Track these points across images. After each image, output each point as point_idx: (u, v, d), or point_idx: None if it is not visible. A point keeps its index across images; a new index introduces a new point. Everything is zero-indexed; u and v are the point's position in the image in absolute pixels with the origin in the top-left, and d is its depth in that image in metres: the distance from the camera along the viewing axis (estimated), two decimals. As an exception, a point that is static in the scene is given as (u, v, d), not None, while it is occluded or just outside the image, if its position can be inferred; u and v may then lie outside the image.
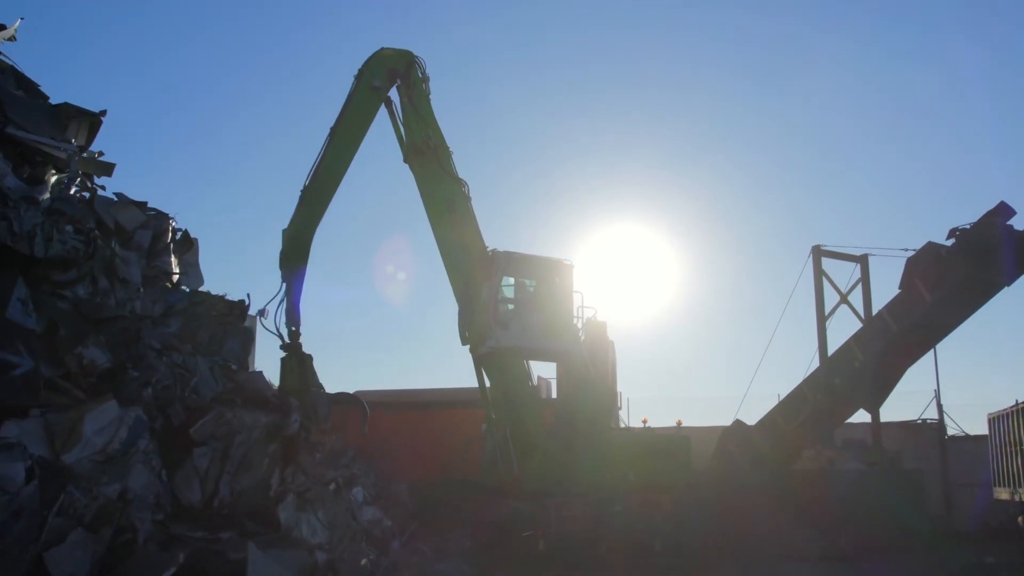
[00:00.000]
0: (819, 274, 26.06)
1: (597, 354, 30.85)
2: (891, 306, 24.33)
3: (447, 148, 20.99)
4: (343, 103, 20.34)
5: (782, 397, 30.34)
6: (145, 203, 15.68)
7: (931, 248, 23.57)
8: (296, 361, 18.26)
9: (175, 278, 15.56)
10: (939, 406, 33.03)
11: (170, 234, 15.35)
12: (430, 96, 21.06)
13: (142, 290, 12.92)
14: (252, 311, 25.50)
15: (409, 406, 26.92)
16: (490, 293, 20.34)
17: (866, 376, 24.96)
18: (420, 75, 20.91)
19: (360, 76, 20.29)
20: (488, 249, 21.03)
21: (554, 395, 31.45)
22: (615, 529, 19.25)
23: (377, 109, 20.59)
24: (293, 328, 18.32)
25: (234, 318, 15.20)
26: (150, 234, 14.55)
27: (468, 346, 20.50)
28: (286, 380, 18.08)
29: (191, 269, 15.98)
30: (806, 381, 26.19)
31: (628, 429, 21.63)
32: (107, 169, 16.26)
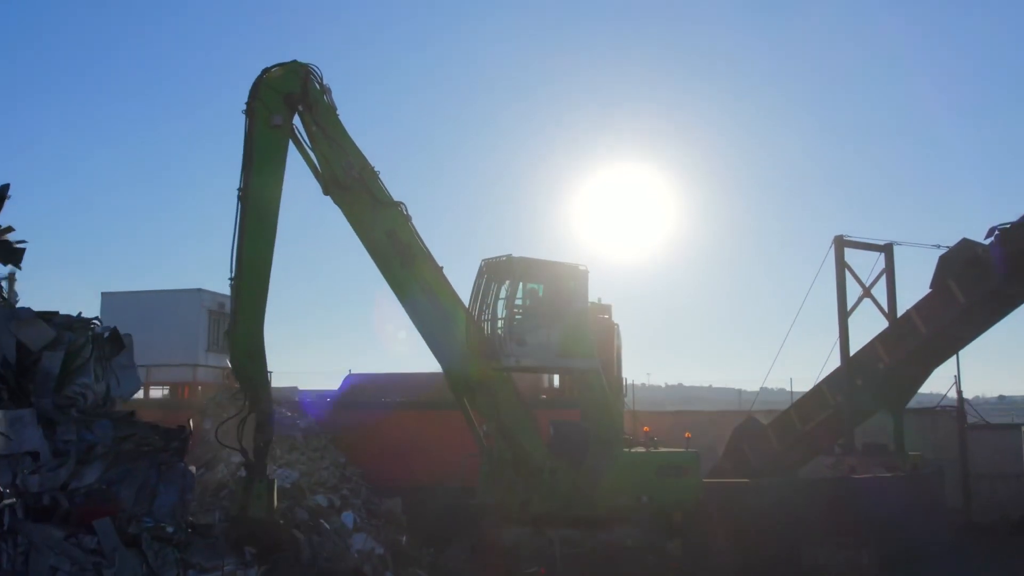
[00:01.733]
0: (841, 267, 24.32)
1: (603, 344, 29.41)
2: (920, 307, 22.69)
3: (372, 169, 18.12)
4: (243, 155, 16.61)
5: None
6: (55, 313, 13.40)
7: (966, 246, 21.88)
8: (245, 485, 15.99)
9: (102, 384, 13.26)
10: (959, 392, 31.58)
11: (91, 347, 13.06)
12: (337, 110, 17.83)
13: (41, 456, 10.65)
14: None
15: (403, 406, 25.33)
16: (508, 304, 18.60)
17: (891, 379, 23.47)
18: (318, 87, 17.53)
19: (253, 114, 16.64)
20: (503, 255, 19.27)
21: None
22: (624, 565, 17.85)
23: (286, 150, 17.14)
24: (263, 442, 16.05)
25: (171, 455, 12.81)
26: (62, 354, 12.33)
27: (453, 374, 18.78)
28: (244, 505, 15.76)
29: (124, 373, 13.72)
30: (826, 381, 24.68)
31: (637, 451, 20.00)
32: (14, 257, 13.87)
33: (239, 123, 16.78)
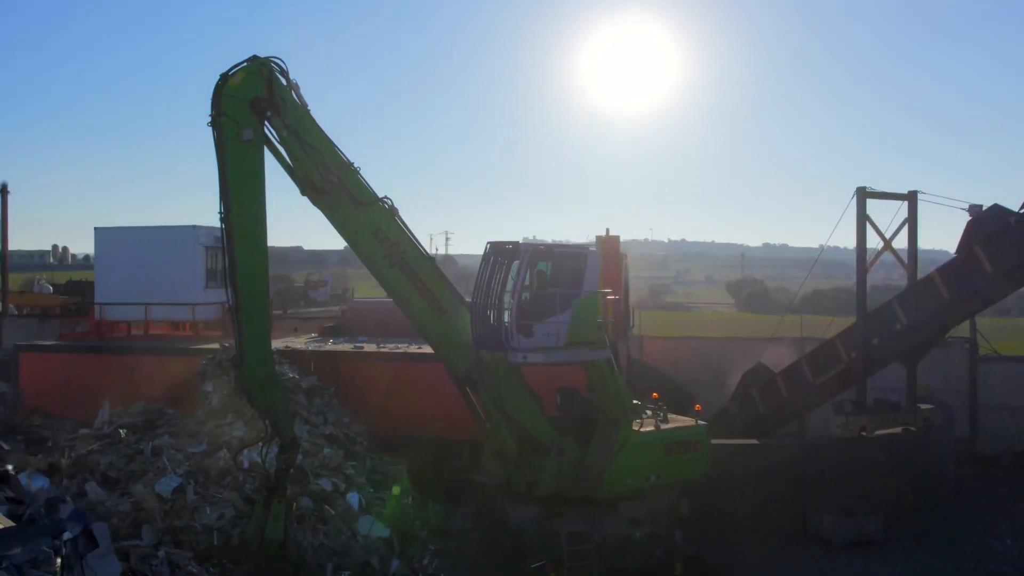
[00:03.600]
0: (863, 220, 23.28)
1: (612, 277, 28.83)
2: (944, 271, 21.79)
3: (351, 167, 17.05)
4: (218, 173, 15.52)
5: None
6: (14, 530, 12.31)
7: (998, 213, 20.85)
8: (264, 505, 15.97)
9: None
10: (972, 324, 31.14)
11: (58, 564, 12.05)
12: (308, 107, 16.55)
13: None
14: None
15: (410, 358, 24.78)
16: (515, 292, 17.80)
17: (907, 339, 22.85)
18: (285, 82, 16.22)
19: (220, 128, 15.42)
20: (511, 242, 18.48)
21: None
22: (632, 558, 17.78)
23: (263, 163, 16.15)
24: (285, 465, 15.82)
25: None
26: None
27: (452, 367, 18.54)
28: (261, 526, 15.77)
29: (102, 563, 12.82)
30: (840, 336, 24.10)
31: (646, 431, 19.53)
32: None
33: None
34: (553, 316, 17.95)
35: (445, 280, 18.38)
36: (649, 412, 20.80)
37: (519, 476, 19.36)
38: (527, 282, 18.04)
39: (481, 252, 19.48)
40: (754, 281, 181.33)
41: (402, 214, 17.76)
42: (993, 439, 30.39)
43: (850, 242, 24.83)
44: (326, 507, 18.65)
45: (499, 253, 18.40)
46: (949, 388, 30.09)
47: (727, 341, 32.61)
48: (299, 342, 27.76)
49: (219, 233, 29.20)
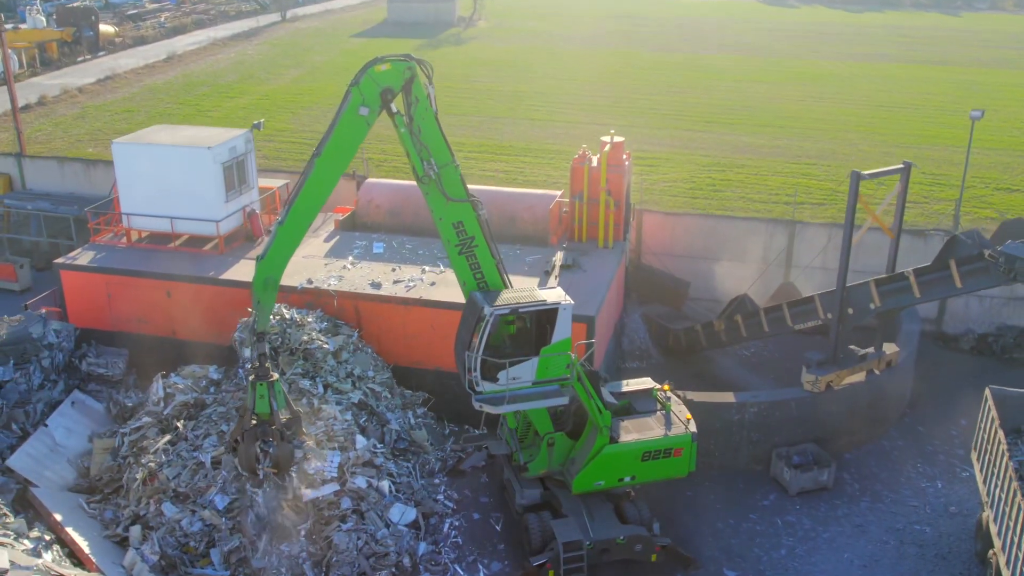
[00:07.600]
0: (854, 199, 24.26)
1: (616, 181, 30.05)
2: (920, 273, 23.39)
3: (454, 166, 19.83)
4: (330, 123, 19.15)
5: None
6: None
7: (976, 240, 22.20)
8: (251, 386, 19.99)
9: None
10: (957, 212, 32.73)
11: None
12: (435, 109, 19.39)
13: None
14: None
15: (425, 303, 26.84)
16: (482, 343, 20.02)
17: (877, 314, 25.01)
18: (426, 83, 19.08)
19: (348, 95, 18.90)
20: (485, 301, 20.26)
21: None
22: (616, 553, 21.40)
23: (363, 137, 19.45)
24: (260, 352, 19.64)
25: None
26: None
27: None
28: (257, 406, 20.08)
29: None
30: (821, 297, 26.09)
31: (625, 441, 21.99)
32: None
33: None
34: (519, 368, 20.29)
35: (503, 276, 20.92)
36: (660, 402, 22.92)
37: (516, 456, 22.62)
38: (496, 330, 20.08)
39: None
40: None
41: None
42: (958, 321, 33.21)
43: None
44: (362, 505, 21.99)
45: (471, 310, 20.51)
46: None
47: (721, 220, 34.23)
48: (317, 256, 29.31)
49: (234, 144, 30.10)
